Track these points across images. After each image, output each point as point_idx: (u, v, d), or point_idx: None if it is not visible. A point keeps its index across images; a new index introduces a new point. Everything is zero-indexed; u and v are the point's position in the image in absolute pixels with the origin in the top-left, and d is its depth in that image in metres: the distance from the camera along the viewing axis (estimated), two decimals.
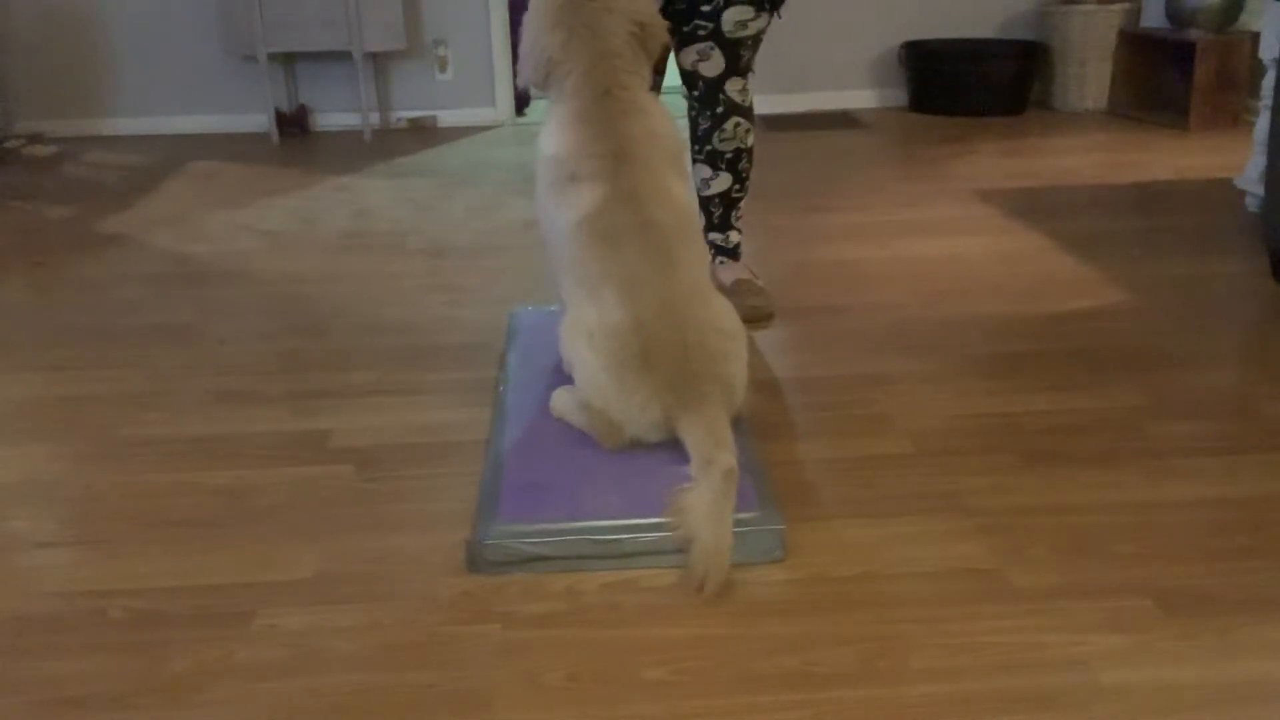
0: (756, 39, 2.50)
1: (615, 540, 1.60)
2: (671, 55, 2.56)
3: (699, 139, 2.59)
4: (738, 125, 2.56)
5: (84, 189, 4.10)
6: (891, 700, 1.33)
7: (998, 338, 2.44)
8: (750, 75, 2.55)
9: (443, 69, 5.19)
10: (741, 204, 2.68)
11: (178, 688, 1.38)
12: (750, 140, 2.60)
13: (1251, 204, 3.34)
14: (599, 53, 1.90)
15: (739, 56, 2.50)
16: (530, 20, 1.97)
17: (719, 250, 2.70)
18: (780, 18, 2.53)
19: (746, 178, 2.64)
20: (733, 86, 2.52)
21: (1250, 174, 3.32)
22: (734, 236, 2.70)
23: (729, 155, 2.58)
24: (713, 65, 2.49)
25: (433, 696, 1.36)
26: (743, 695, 1.35)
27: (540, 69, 1.94)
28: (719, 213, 2.66)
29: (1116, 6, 4.97)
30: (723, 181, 2.61)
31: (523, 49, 1.99)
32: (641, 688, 1.36)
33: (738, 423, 1.84)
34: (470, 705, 1.34)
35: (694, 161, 2.62)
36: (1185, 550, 1.62)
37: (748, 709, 1.32)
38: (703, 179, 2.62)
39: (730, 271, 2.69)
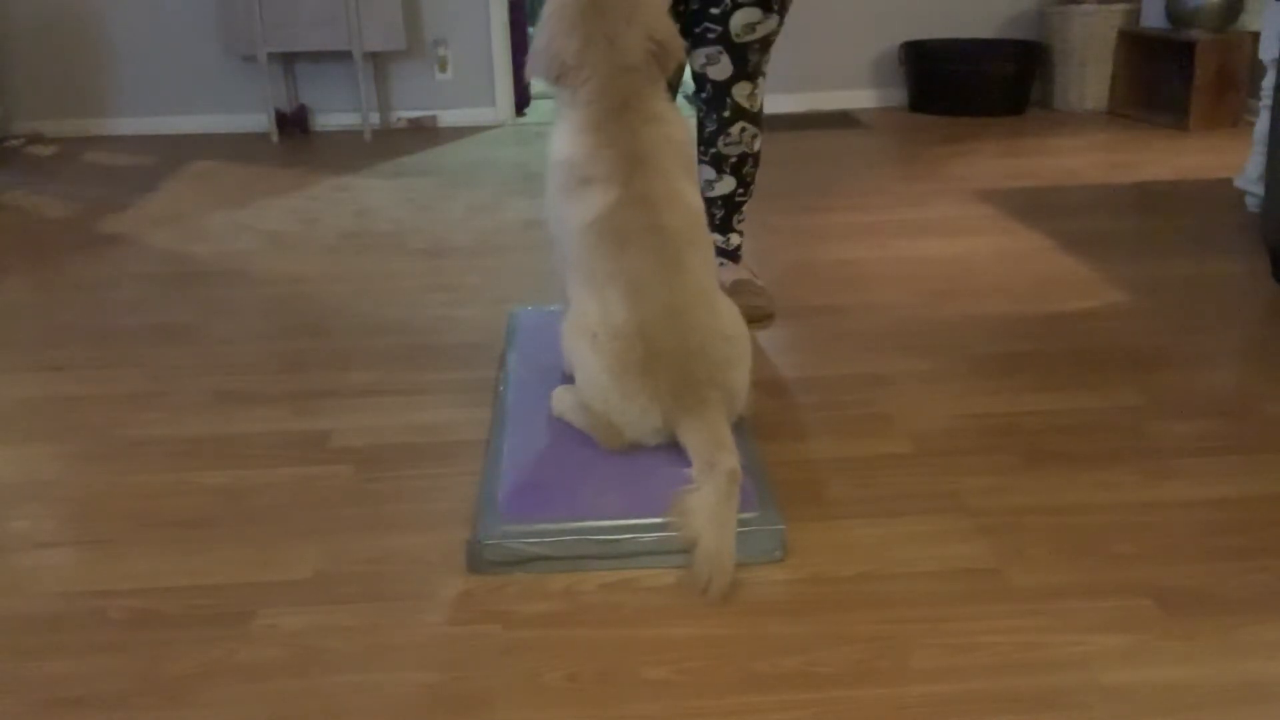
0: (765, 41, 2.48)
1: (615, 540, 1.60)
2: None
3: (705, 141, 2.59)
4: (744, 130, 2.55)
5: (84, 189, 4.10)
6: (891, 700, 1.33)
7: (998, 338, 2.44)
8: (761, 80, 2.53)
9: (443, 69, 5.19)
10: (744, 208, 2.68)
11: (178, 688, 1.38)
12: (757, 146, 2.59)
13: (1251, 204, 3.34)
14: (616, 65, 1.87)
15: (747, 60, 2.48)
16: (548, 17, 1.94)
17: (719, 252, 2.69)
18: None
19: (751, 182, 2.64)
20: (741, 91, 2.51)
21: (1250, 174, 3.32)
22: (735, 239, 2.71)
23: (734, 159, 2.58)
24: (721, 69, 2.49)
25: (433, 696, 1.36)
26: (743, 695, 1.35)
27: (552, 69, 1.92)
28: (720, 215, 2.66)
29: (1116, 6, 4.97)
30: (726, 185, 2.61)
31: (537, 44, 1.97)
32: (641, 688, 1.36)
33: (738, 424, 1.84)
34: (470, 705, 1.34)
35: (698, 162, 2.60)
36: (1185, 550, 1.62)
37: (748, 709, 1.32)
38: (706, 180, 2.62)
39: (730, 272, 2.69)
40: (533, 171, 4.18)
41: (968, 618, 1.48)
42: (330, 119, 5.20)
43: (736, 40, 2.45)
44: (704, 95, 2.55)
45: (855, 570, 1.59)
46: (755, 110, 2.55)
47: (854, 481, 1.84)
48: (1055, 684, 1.35)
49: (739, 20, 2.42)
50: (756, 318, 2.54)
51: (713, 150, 2.58)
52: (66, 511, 1.82)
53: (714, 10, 2.42)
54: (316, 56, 5.09)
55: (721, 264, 2.71)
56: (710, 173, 2.61)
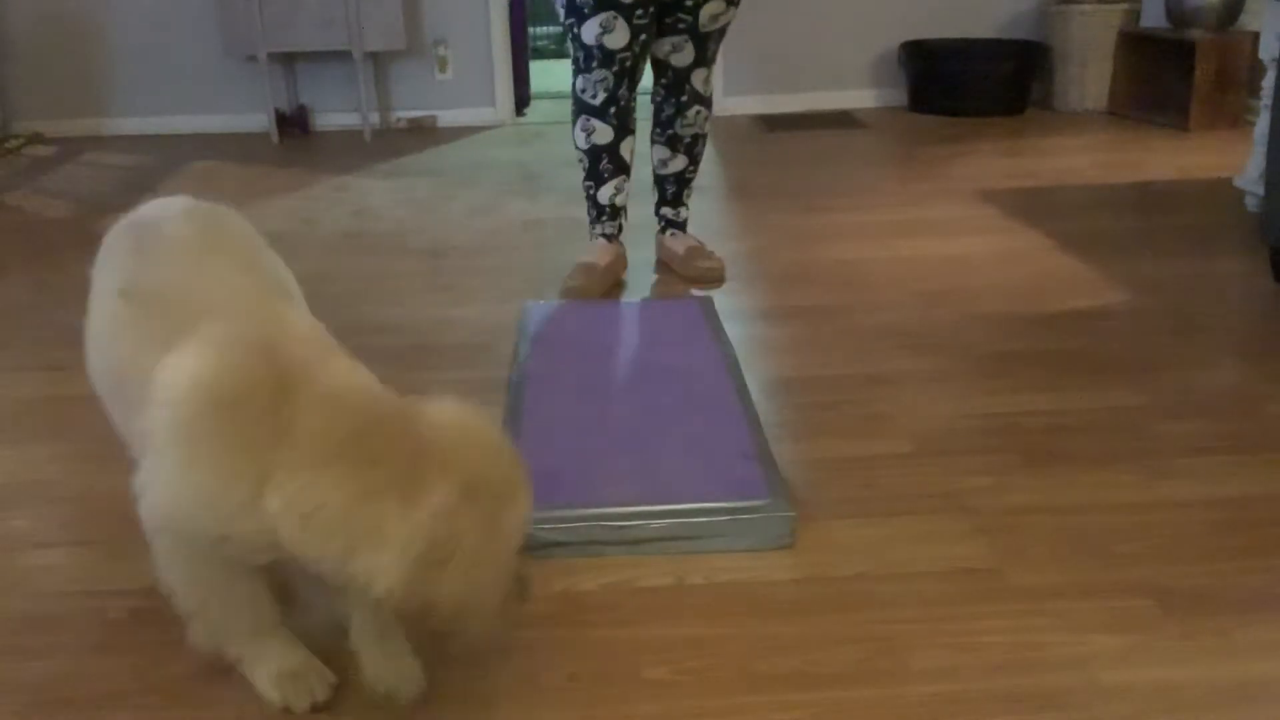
0: (723, 31, 2.69)
1: (627, 527, 1.62)
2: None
3: (661, 124, 2.80)
4: (698, 113, 2.77)
5: (84, 189, 4.10)
6: (891, 700, 1.33)
7: (998, 338, 2.44)
8: (713, 66, 2.75)
9: (443, 69, 5.20)
10: (691, 183, 2.91)
11: (178, 688, 1.38)
12: (707, 126, 2.82)
13: (1251, 204, 3.34)
14: None
15: (706, 49, 2.69)
16: None
17: (670, 224, 2.94)
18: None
19: (700, 158, 2.88)
20: (698, 77, 2.72)
21: (1250, 174, 3.32)
22: (684, 212, 2.94)
23: (688, 140, 2.81)
24: (684, 56, 2.68)
25: (433, 696, 1.36)
26: (743, 695, 1.35)
27: None
28: (673, 190, 2.89)
29: (1116, 6, 4.97)
30: (679, 163, 2.84)
31: None
32: (641, 688, 1.36)
33: (756, 419, 1.84)
34: (470, 705, 1.34)
35: (653, 143, 2.84)
36: (1185, 550, 1.62)
37: (748, 709, 1.32)
38: (661, 159, 2.85)
39: (681, 241, 2.91)
40: (533, 171, 4.18)
41: (968, 618, 1.48)
42: (330, 119, 5.20)
43: (702, 30, 2.64)
44: (664, 81, 2.74)
45: (855, 570, 1.59)
46: (708, 95, 2.77)
47: (854, 481, 1.84)
48: (1055, 684, 1.35)
49: (707, 11, 2.61)
50: (709, 279, 2.80)
51: (670, 132, 2.79)
52: (66, 511, 1.82)
53: (688, 2, 2.59)
54: (316, 56, 5.09)
55: (674, 234, 2.94)
56: (665, 152, 2.83)
